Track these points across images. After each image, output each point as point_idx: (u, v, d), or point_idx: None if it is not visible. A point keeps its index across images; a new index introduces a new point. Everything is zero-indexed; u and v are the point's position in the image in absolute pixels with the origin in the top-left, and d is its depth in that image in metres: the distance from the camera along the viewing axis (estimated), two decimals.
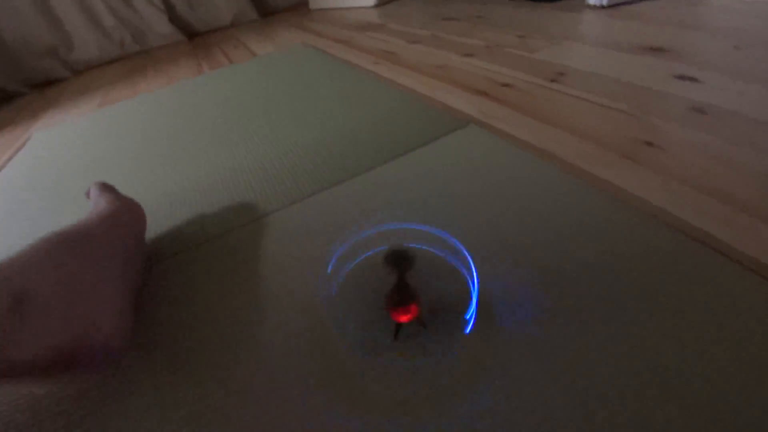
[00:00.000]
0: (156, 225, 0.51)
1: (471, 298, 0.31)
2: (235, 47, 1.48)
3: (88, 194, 0.45)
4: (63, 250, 0.30)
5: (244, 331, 0.33)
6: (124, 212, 0.40)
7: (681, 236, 0.33)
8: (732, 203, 0.36)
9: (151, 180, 0.63)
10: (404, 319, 0.28)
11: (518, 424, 0.23)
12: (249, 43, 1.49)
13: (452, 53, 0.88)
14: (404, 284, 0.30)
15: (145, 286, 0.40)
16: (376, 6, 1.63)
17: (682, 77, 0.59)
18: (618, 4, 0.99)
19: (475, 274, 0.32)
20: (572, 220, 0.37)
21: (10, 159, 0.93)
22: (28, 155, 0.90)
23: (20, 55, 1.71)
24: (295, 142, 0.63)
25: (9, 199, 0.69)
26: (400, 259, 0.32)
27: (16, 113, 1.44)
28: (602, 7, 1.00)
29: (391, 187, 0.47)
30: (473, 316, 0.30)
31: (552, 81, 0.65)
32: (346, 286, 0.35)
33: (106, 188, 0.44)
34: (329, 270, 0.36)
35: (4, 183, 0.77)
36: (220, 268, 0.41)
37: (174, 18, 1.93)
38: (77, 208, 0.60)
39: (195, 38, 1.98)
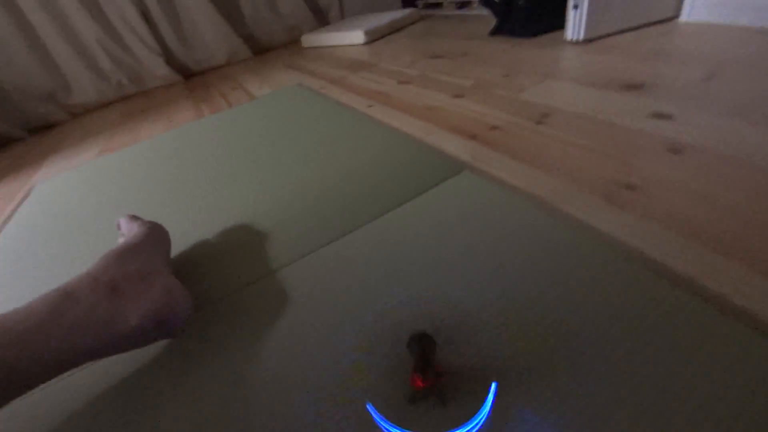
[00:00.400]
0: None
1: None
2: (233, 89, 1.53)
3: (118, 226, 0.55)
4: (123, 254, 0.42)
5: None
6: (155, 228, 0.51)
7: (665, 282, 0.36)
8: (711, 243, 0.39)
9: None
10: (419, 384, 0.30)
11: None
12: (246, 84, 1.54)
13: (442, 94, 0.93)
14: (428, 356, 0.32)
15: None
16: (366, 44, 1.70)
17: (658, 115, 0.64)
18: (594, 39, 1.06)
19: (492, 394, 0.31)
20: (562, 269, 0.40)
21: (14, 211, 0.95)
22: (33, 206, 0.92)
23: (18, 100, 1.76)
24: (292, 191, 0.67)
25: (16, 251, 0.71)
26: (424, 338, 0.33)
27: (15, 160, 1.47)
28: (579, 42, 1.06)
29: (389, 243, 0.50)
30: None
31: (538, 123, 0.70)
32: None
33: (135, 217, 0.54)
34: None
35: (10, 234, 0.79)
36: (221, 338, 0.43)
37: (170, 59, 1.99)
38: (86, 257, 0.62)
39: (191, 78, 2.04)
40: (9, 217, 0.92)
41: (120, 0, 1.77)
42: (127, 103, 1.88)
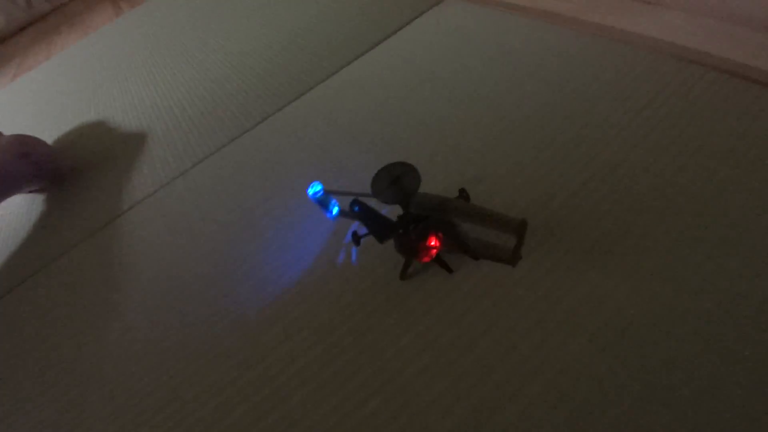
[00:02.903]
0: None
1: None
2: None
3: None
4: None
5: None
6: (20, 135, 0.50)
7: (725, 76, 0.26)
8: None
9: (78, 138, 0.54)
10: (433, 252, 0.22)
11: None
12: None
13: None
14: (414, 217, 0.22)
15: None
16: None
17: None
18: None
19: None
20: (598, 82, 0.30)
21: None
22: None
23: None
24: (246, 53, 0.53)
25: None
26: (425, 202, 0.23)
27: None
28: None
29: (367, 85, 0.39)
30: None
31: None
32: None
33: None
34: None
35: None
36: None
37: None
38: None
39: None
40: None
41: None
42: (42, 23, 1.60)
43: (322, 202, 0.25)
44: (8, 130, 0.67)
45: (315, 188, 0.24)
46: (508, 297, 0.21)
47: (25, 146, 0.44)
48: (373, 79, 0.39)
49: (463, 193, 0.24)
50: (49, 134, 0.60)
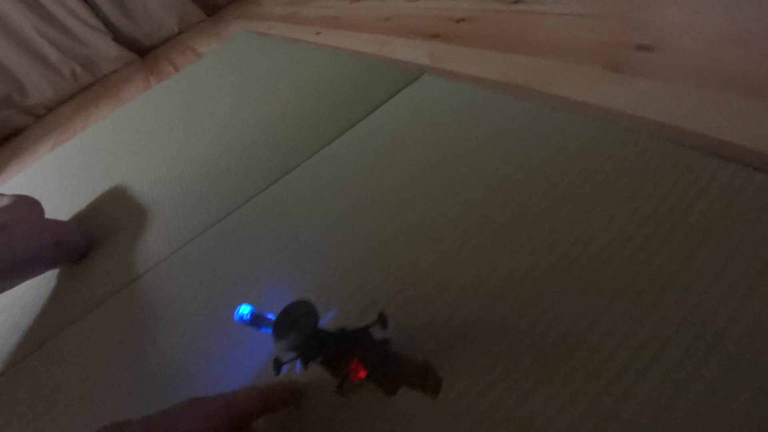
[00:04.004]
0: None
1: None
2: (182, 53, 1.38)
3: None
4: (3, 210, 0.48)
5: None
6: (24, 197, 0.54)
7: (715, 159, 0.24)
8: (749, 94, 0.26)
9: (95, 213, 0.57)
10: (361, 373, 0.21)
11: None
12: (196, 46, 1.38)
13: (399, 0, 0.77)
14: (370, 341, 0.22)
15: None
16: None
17: None
18: None
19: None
20: (569, 157, 0.28)
21: None
22: None
23: None
24: (236, 138, 0.55)
25: None
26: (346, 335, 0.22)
27: None
28: None
29: (342, 168, 0.39)
30: None
31: (515, 2, 0.54)
32: None
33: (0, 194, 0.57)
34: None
35: None
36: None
37: (119, 37, 1.82)
38: None
39: (147, 54, 1.88)
40: None
41: None
42: (85, 94, 1.75)
43: (255, 323, 0.23)
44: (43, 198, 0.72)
45: (243, 311, 0.23)
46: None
47: (59, 234, 0.46)
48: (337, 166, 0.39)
49: (382, 317, 0.22)
50: (67, 208, 0.64)
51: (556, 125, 0.32)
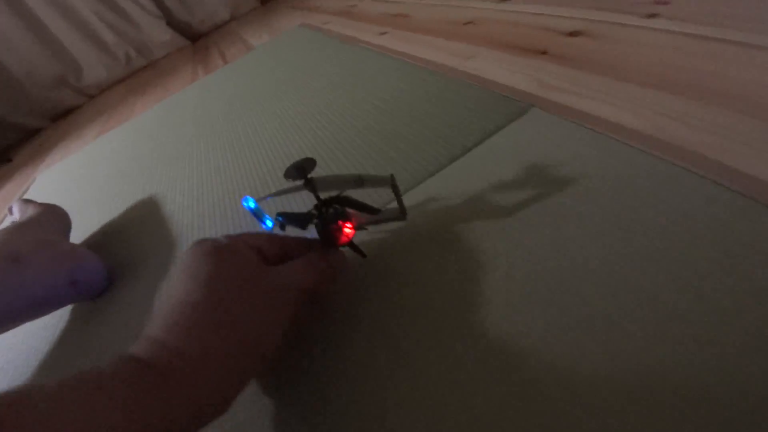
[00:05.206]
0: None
1: None
2: (233, 43, 1.32)
3: (10, 210, 0.53)
4: (20, 228, 0.43)
5: None
6: (51, 207, 0.51)
7: None
8: None
9: (137, 212, 0.51)
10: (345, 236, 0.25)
11: None
12: (246, 37, 1.32)
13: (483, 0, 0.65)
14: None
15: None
16: None
17: None
18: None
19: None
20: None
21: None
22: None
23: (31, 88, 1.69)
24: (279, 155, 0.46)
25: None
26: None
27: (34, 150, 1.41)
28: None
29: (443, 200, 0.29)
30: None
31: (649, 16, 0.42)
32: None
33: (28, 201, 0.53)
34: None
35: None
36: None
37: (172, 22, 1.81)
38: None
39: (198, 41, 1.86)
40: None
41: None
42: (136, 77, 1.75)
43: (257, 214, 0.30)
44: (70, 201, 0.67)
45: (249, 203, 0.29)
46: None
47: (75, 271, 0.40)
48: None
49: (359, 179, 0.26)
50: (96, 220, 0.58)
51: (755, 226, 0.20)
